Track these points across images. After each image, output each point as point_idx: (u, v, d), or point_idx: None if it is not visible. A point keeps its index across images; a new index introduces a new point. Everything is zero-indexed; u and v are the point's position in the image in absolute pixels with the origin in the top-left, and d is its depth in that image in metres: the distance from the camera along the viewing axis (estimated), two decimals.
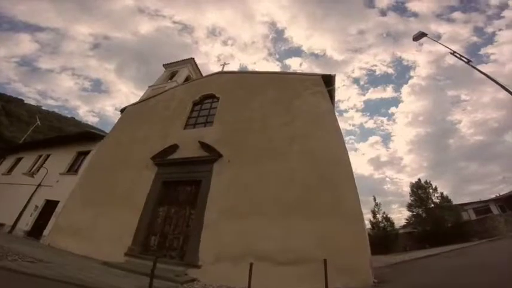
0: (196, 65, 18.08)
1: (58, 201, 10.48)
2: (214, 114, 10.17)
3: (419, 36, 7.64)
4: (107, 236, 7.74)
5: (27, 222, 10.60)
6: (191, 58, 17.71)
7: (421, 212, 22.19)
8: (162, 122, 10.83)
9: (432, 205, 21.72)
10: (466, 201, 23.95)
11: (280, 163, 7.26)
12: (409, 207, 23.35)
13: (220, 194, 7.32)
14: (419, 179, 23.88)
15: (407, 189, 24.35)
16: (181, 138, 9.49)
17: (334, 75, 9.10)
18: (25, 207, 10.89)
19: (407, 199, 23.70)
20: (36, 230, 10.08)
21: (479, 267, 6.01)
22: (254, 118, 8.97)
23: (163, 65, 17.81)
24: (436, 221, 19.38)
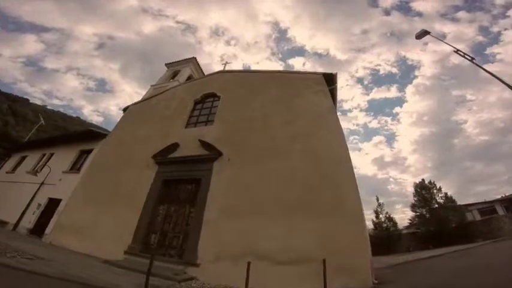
0: (198, 64, 18.10)
1: (61, 200, 10.58)
2: (215, 113, 10.15)
3: (422, 34, 7.52)
4: (108, 234, 7.78)
5: (30, 220, 10.73)
6: (193, 57, 17.73)
7: (424, 213, 21.92)
8: (163, 121, 10.85)
9: (436, 205, 21.45)
10: (471, 202, 23.60)
11: (282, 162, 7.21)
12: (413, 207, 23.09)
13: (220, 193, 7.30)
14: (423, 179, 23.62)
15: (411, 190, 24.12)
16: (182, 137, 9.50)
17: (336, 73, 9.01)
18: (28, 205, 11.03)
19: (411, 199, 23.45)
20: (39, 228, 10.19)
21: (483, 268, 5.89)
22: (255, 117, 8.93)
23: (166, 64, 17.86)
24: (440, 221, 19.12)
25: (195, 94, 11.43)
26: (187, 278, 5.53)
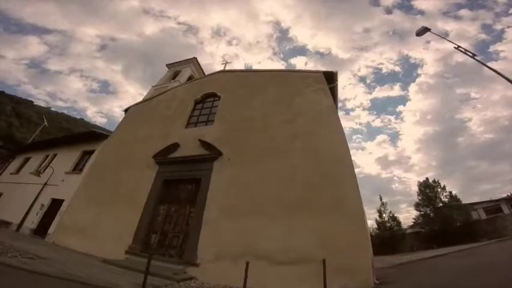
0: (198, 64, 18.12)
1: (63, 200, 10.67)
2: (215, 112, 10.14)
3: (423, 31, 7.45)
4: (109, 234, 7.82)
5: (33, 220, 10.82)
6: (193, 58, 17.76)
7: (428, 212, 21.72)
8: (163, 121, 10.87)
9: (440, 204, 21.23)
10: (476, 201, 23.27)
11: (282, 161, 7.17)
12: (417, 206, 22.92)
13: (220, 192, 7.28)
14: (427, 178, 23.44)
15: (415, 189, 23.91)
16: (182, 137, 9.50)
17: (336, 72, 8.92)
18: (31, 205, 11.13)
19: (416, 198, 23.28)
20: (42, 229, 10.28)
21: (488, 267, 5.78)
22: (255, 117, 8.89)
23: (166, 65, 17.92)
24: (444, 220, 18.92)
25: (195, 94, 11.43)
26: (186, 277, 5.53)
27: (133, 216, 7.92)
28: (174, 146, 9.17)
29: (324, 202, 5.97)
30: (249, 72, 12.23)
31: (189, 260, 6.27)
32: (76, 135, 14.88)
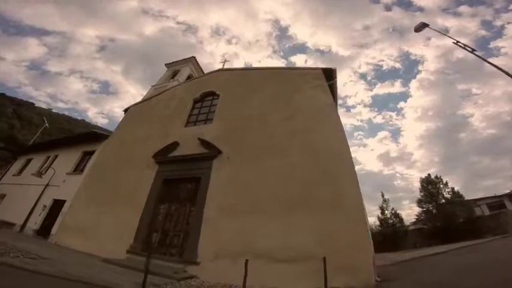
0: (197, 63, 18.07)
1: (65, 201, 10.73)
2: (214, 111, 10.11)
3: (421, 27, 7.39)
4: (111, 234, 7.85)
5: (36, 221, 10.90)
6: (192, 57, 17.72)
7: (431, 208, 21.59)
8: (163, 121, 10.86)
9: (443, 201, 21.09)
10: (480, 197, 23.12)
11: (281, 159, 7.13)
12: (419, 202, 22.78)
13: (220, 191, 7.27)
14: (429, 174, 23.28)
15: (417, 185, 23.75)
16: (181, 136, 9.49)
17: (335, 68, 8.85)
18: (34, 206, 11.20)
19: (418, 195, 23.13)
20: (45, 229, 10.35)
21: (491, 264, 5.73)
22: (254, 115, 8.84)
23: (165, 64, 17.90)
24: (447, 216, 18.79)
25: (194, 93, 11.40)
26: (187, 276, 5.53)
27: (134, 216, 7.94)
28: (174, 145, 9.16)
29: (323, 199, 5.93)
30: (247, 70, 12.15)
31: (189, 258, 6.28)
32: (76, 136, 14.94)
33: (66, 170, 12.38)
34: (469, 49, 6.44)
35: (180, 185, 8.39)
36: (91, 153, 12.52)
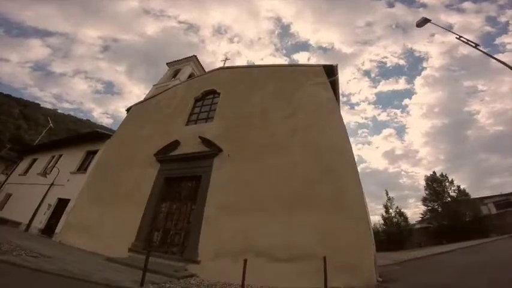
0: (199, 62, 18.05)
1: (69, 200, 10.84)
2: (215, 109, 10.08)
3: (423, 22, 7.23)
4: (113, 232, 7.90)
5: (41, 220, 11.06)
6: (193, 56, 17.71)
7: (436, 207, 21.28)
8: (164, 120, 10.88)
9: (448, 199, 20.75)
10: (487, 195, 22.65)
11: (282, 157, 7.07)
12: (424, 201, 22.50)
13: (220, 189, 7.24)
14: (434, 172, 22.95)
15: (423, 183, 23.41)
16: (182, 135, 9.49)
17: (336, 65, 8.71)
18: (39, 206, 11.38)
19: (424, 193, 22.80)
20: (50, 228, 10.49)
21: (497, 265, 5.58)
22: (255, 112, 8.79)
23: (167, 64, 17.94)
24: (452, 215, 18.49)
25: (195, 91, 11.38)
26: (187, 275, 5.52)
27: (137, 215, 7.97)
28: (175, 144, 9.16)
29: (325, 198, 5.86)
30: (248, 68, 12.07)
31: (190, 257, 6.27)
32: (80, 135, 15.10)
33: (70, 169, 12.53)
34: (472, 44, 6.30)
35: (181, 184, 8.40)
36: (94, 152, 12.64)
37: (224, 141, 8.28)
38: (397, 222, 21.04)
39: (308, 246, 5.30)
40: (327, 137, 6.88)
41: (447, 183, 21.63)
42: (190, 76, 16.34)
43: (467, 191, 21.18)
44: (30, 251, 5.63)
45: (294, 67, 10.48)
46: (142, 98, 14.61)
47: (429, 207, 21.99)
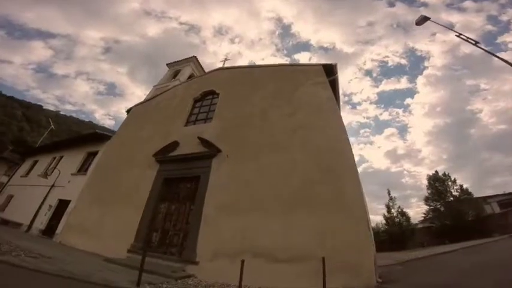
0: (198, 62, 18.07)
1: (70, 201, 10.88)
2: (214, 110, 10.07)
3: (422, 20, 7.20)
4: (113, 233, 7.91)
5: (42, 221, 11.11)
6: (193, 56, 17.74)
7: (439, 206, 21.09)
8: (164, 121, 10.88)
9: (451, 198, 20.56)
10: (490, 194, 22.42)
11: (282, 156, 7.03)
12: (426, 200, 22.31)
13: (219, 190, 7.21)
14: (436, 171, 22.76)
15: (426, 182, 23.22)
16: (181, 135, 9.48)
17: (336, 64, 8.67)
18: (40, 207, 11.43)
19: (426, 193, 22.62)
20: (51, 229, 10.53)
21: (500, 265, 5.49)
22: (254, 112, 8.76)
23: (167, 64, 17.98)
24: (455, 215, 18.31)
25: (194, 92, 11.38)
26: (185, 275, 5.50)
27: (136, 215, 7.97)
28: (174, 145, 9.16)
29: (324, 197, 5.81)
30: (248, 68, 12.05)
31: (188, 258, 6.25)
32: (80, 136, 15.16)
33: (71, 170, 12.58)
34: (472, 41, 6.25)
35: (180, 184, 8.39)
36: (95, 153, 12.68)
37: (223, 142, 8.26)
38: (399, 222, 20.90)
39: (307, 246, 5.25)
40: (327, 138, 6.83)
41: (450, 183, 21.44)
42: (190, 77, 16.35)
43: (470, 190, 21.01)
44: (30, 252, 5.63)
45: (295, 67, 10.44)
46: (143, 99, 14.66)
47: (431, 207, 21.81)
